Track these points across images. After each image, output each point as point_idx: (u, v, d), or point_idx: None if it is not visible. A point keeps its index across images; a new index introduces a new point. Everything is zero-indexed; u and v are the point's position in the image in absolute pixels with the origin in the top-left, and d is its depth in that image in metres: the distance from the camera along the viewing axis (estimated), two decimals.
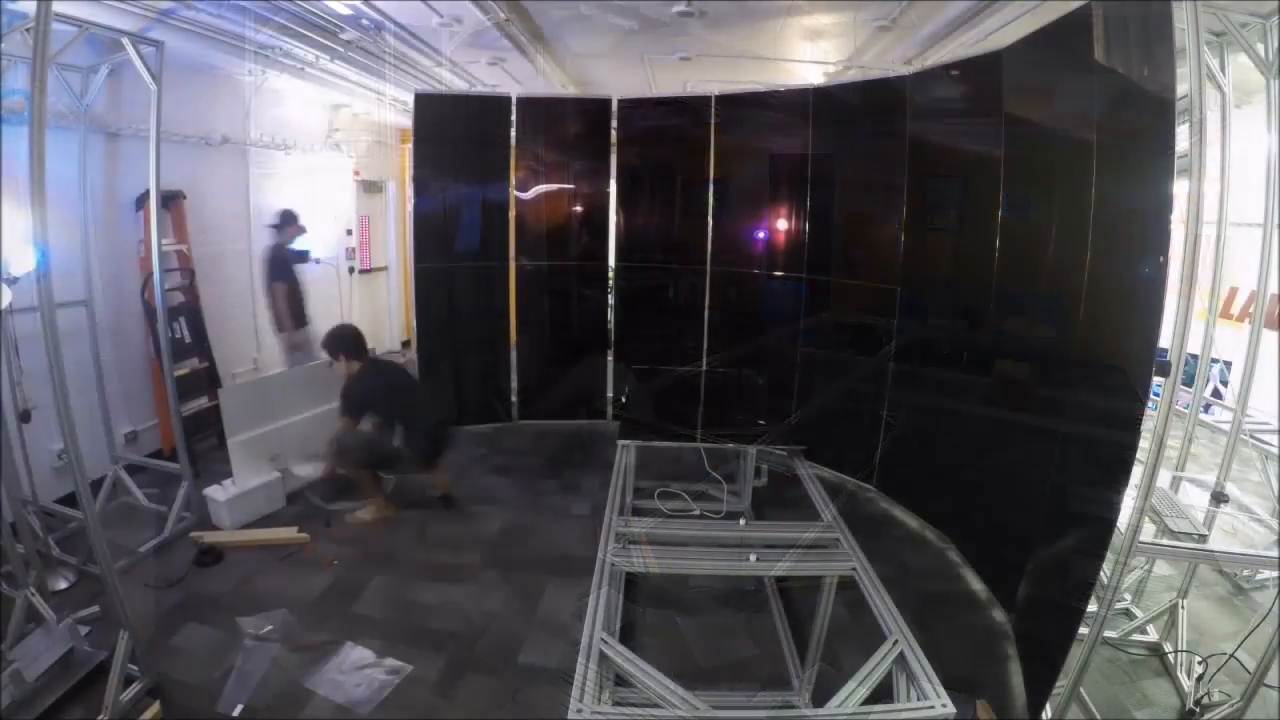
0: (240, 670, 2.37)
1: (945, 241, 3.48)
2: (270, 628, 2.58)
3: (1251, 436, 2.56)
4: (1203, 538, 1.95)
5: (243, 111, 5.04)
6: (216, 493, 3.54)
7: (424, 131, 4.58)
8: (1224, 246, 2.43)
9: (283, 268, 4.79)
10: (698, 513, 3.51)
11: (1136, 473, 1.79)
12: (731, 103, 4.58)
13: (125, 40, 3.01)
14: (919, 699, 1.37)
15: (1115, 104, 2.09)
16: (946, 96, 3.46)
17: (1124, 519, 1.83)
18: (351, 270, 6.68)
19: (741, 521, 2.51)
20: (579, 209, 5.03)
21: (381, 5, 3.61)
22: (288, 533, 3.38)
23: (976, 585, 3.06)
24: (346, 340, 3.70)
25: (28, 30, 2.01)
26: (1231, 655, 2.41)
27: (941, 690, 1.38)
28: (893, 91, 3.63)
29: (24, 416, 2.84)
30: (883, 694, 1.39)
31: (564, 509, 3.83)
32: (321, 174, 6.09)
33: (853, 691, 1.37)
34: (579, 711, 1.32)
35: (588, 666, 1.33)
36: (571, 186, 5.00)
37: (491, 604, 2.87)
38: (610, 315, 5.14)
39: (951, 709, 1.34)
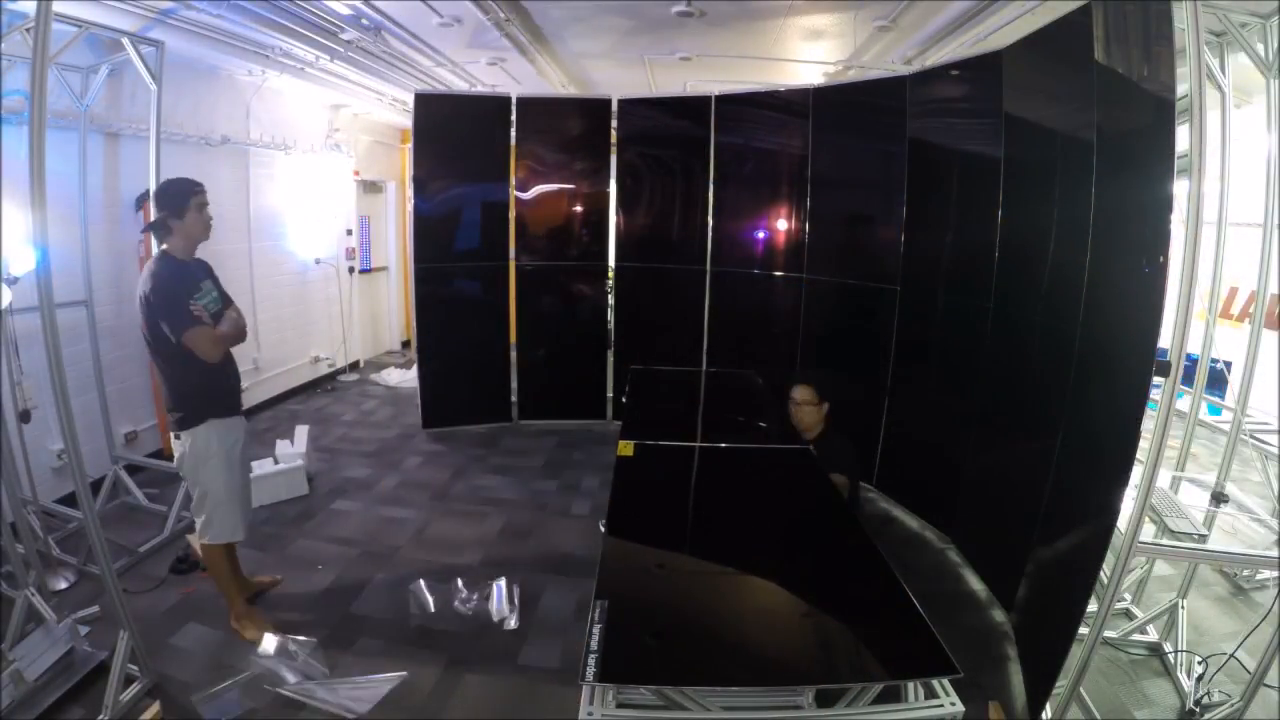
0: (225, 699, 2.28)
1: (945, 241, 3.48)
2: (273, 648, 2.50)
3: (1251, 436, 2.56)
4: (1203, 538, 1.95)
5: (243, 111, 5.04)
6: None
7: (424, 131, 4.58)
8: (1224, 246, 2.44)
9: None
10: None
11: (1136, 473, 1.79)
12: (731, 103, 4.58)
13: (125, 40, 3.01)
14: (927, 698, 1.37)
15: (1115, 104, 2.09)
16: (946, 96, 3.47)
17: (1124, 519, 1.83)
18: (351, 270, 6.69)
19: None
20: (579, 209, 5.03)
21: (381, 5, 3.61)
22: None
23: (976, 585, 3.07)
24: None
25: (28, 30, 2.01)
26: (1231, 655, 2.41)
27: (950, 689, 1.37)
28: (893, 91, 3.64)
29: (24, 416, 2.84)
30: (889, 694, 1.39)
31: (564, 509, 3.84)
32: (321, 174, 6.10)
33: (860, 692, 1.36)
34: (590, 714, 1.32)
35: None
36: (571, 186, 5.00)
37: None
38: (610, 315, 5.15)
39: (960, 708, 1.34)
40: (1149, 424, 1.74)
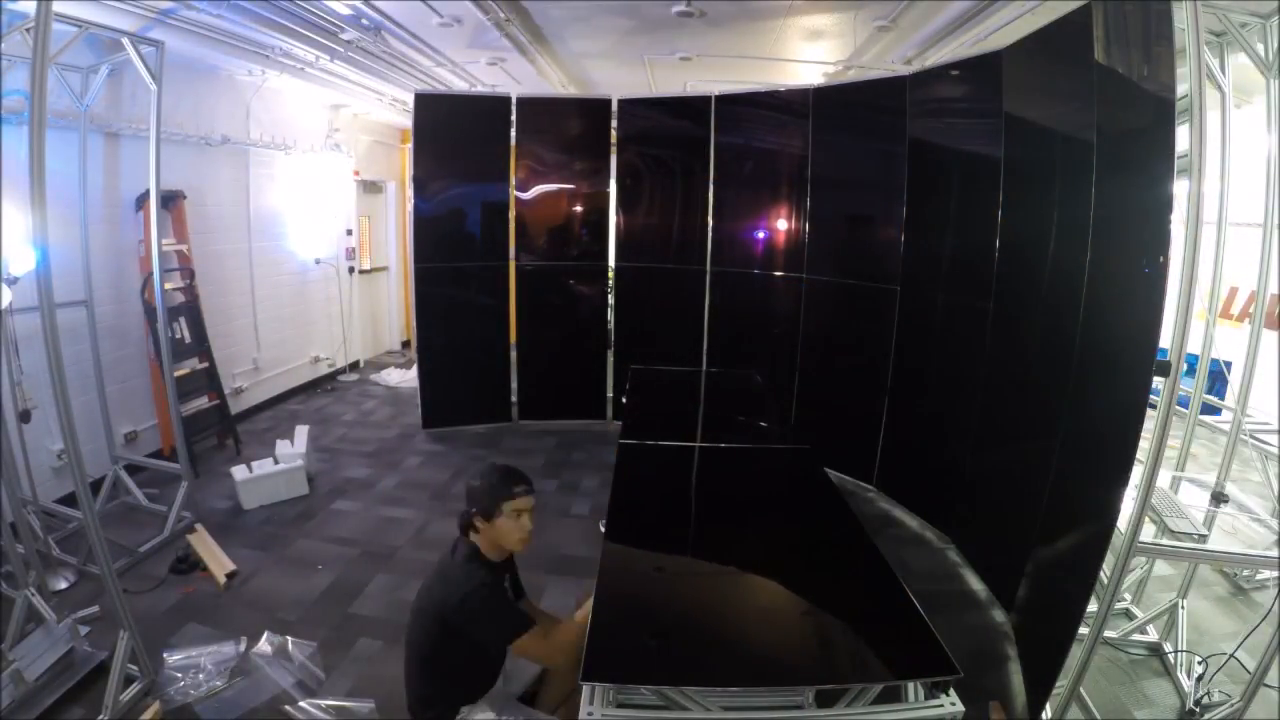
0: (225, 699, 2.29)
1: (945, 241, 3.48)
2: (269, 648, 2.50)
3: (1251, 436, 2.56)
4: (1203, 538, 1.95)
5: (243, 111, 5.04)
6: (239, 473, 3.66)
7: (424, 131, 4.58)
8: (1224, 246, 2.44)
9: None
10: None
11: (1136, 473, 1.79)
12: (731, 103, 4.58)
13: (125, 40, 3.00)
14: (927, 699, 1.37)
15: (1115, 104, 2.09)
16: (946, 96, 3.47)
17: (1124, 519, 1.83)
18: (351, 270, 6.69)
19: None
20: (579, 209, 5.03)
21: (381, 5, 3.61)
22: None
23: (976, 585, 3.06)
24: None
25: (28, 30, 2.01)
26: (1231, 655, 2.41)
27: (950, 689, 1.37)
28: (893, 91, 3.64)
29: (24, 416, 2.84)
30: (889, 694, 1.39)
31: (564, 509, 3.83)
32: (321, 174, 6.10)
33: (860, 692, 1.36)
34: (590, 714, 1.33)
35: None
36: (571, 186, 5.00)
37: None
38: (610, 315, 5.15)
39: (960, 708, 1.34)
40: (1149, 424, 1.74)
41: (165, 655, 2.39)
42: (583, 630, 1.48)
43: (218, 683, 2.32)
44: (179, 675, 2.32)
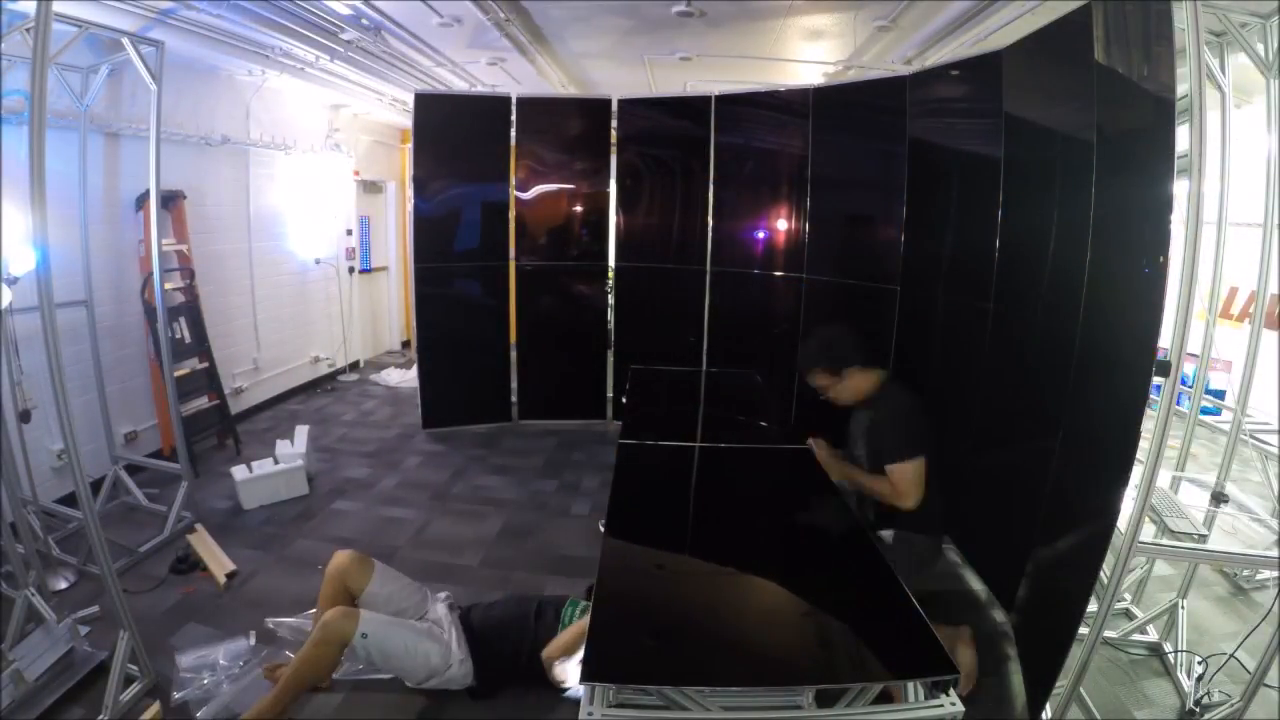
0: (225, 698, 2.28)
1: (944, 241, 3.48)
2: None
3: (1251, 437, 2.56)
4: (1203, 538, 1.95)
5: (243, 111, 5.04)
6: (239, 473, 3.66)
7: (424, 131, 4.58)
8: (1224, 246, 2.44)
9: None
10: None
11: (1136, 473, 1.79)
12: (731, 103, 4.58)
13: (125, 40, 3.00)
14: (927, 699, 1.37)
15: (1115, 104, 2.09)
16: (946, 96, 3.46)
17: (1124, 519, 1.83)
18: (351, 270, 6.69)
19: None
20: (579, 209, 5.03)
21: (381, 5, 3.61)
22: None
23: (976, 585, 3.06)
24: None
25: (28, 30, 2.00)
26: (1231, 655, 2.41)
27: (950, 689, 1.37)
28: (893, 91, 3.64)
29: (24, 416, 2.84)
30: (889, 694, 1.39)
31: (564, 509, 3.84)
32: (321, 174, 6.10)
33: (860, 692, 1.36)
34: (590, 714, 1.32)
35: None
36: (571, 186, 5.00)
37: None
38: (610, 315, 5.16)
39: (960, 708, 1.34)
40: (1149, 424, 1.74)
41: (178, 659, 2.38)
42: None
43: (225, 682, 2.32)
44: (191, 675, 2.32)
